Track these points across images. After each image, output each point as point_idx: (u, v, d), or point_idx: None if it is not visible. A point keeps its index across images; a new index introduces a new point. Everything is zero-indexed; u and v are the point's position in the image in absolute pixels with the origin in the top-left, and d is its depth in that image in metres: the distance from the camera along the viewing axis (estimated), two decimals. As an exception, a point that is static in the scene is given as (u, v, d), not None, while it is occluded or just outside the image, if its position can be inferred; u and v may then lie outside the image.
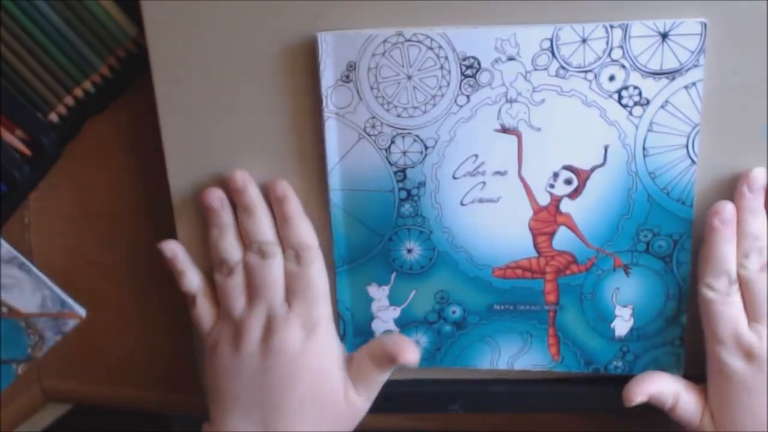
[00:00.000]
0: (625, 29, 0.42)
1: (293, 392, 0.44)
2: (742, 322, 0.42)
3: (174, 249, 0.47)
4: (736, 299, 0.42)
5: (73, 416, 0.60)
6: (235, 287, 0.46)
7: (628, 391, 0.44)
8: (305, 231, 0.46)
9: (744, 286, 0.42)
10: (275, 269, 0.45)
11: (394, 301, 0.48)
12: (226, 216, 0.46)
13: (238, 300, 0.46)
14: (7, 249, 0.52)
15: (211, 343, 0.47)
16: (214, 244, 0.46)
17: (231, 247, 0.46)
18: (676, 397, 0.44)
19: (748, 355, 0.42)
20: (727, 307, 0.42)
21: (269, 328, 0.45)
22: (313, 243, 0.46)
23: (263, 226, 0.45)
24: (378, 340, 0.46)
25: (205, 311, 0.47)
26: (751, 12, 0.41)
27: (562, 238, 0.46)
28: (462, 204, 0.45)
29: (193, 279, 0.47)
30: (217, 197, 0.46)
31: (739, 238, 0.42)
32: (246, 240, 0.46)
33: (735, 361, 0.42)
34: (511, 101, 0.43)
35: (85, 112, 0.50)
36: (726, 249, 0.42)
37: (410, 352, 0.45)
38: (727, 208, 0.42)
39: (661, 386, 0.44)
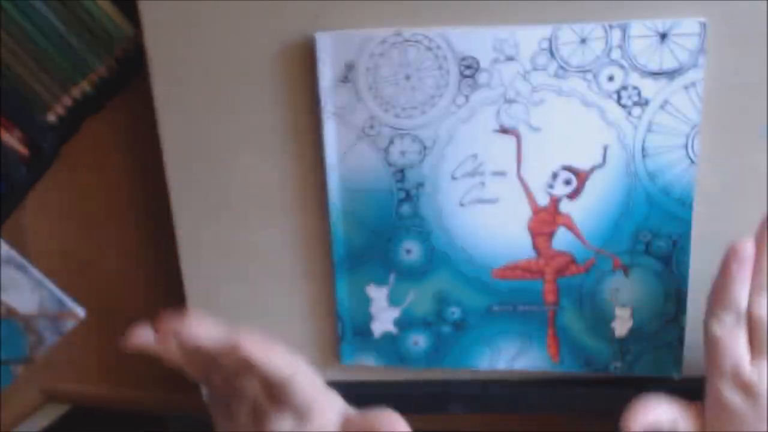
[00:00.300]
0: (624, 29, 0.41)
1: None
2: (745, 358, 0.41)
3: (138, 341, 0.42)
4: (742, 334, 0.41)
5: (72, 416, 0.60)
6: (217, 379, 0.42)
7: (626, 423, 0.43)
8: (275, 371, 0.39)
9: (752, 321, 0.41)
10: (251, 386, 0.40)
11: (393, 301, 0.48)
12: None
13: (222, 388, 0.42)
14: (5, 250, 0.52)
15: (207, 400, 0.45)
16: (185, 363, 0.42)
17: (200, 359, 0.41)
18: (674, 424, 0.44)
19: (748, 390, 0.41)
20: (732, 342, 0.41)
21: (258, 417, 0.41)
22: (285, 377, 0.39)
23: (226, 362, 0.40)
24: (370, 419, 0.42)
25: (195, 378, 0.43)
26: (751, 12, 0.41)
27: (562, 239, 0.45)
28: (461, 204, 0.45)
29: (171, 356, 0.42)
30: (165, 331, 0.40)
31: (755, 273, 0.41)
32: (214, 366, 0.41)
33: (734, 396, 0.42)
34: (510, 101, 0.43)
35: (83, 113, 0.50)
36: (739, 287, 0.41)
37: None
38: (746, 249, 0.41)
39: (658, 415, 0.44)
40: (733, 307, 0.41)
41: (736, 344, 0.41)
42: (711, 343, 0.42)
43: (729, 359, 0.41)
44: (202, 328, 0.39)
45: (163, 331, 0.40)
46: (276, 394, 0.41)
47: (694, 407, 0.44)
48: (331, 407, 0.43)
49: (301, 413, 0.41)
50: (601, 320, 0.47)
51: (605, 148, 0.44)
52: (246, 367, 0.39)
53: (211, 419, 0.46)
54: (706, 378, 0.43)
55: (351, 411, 0.44)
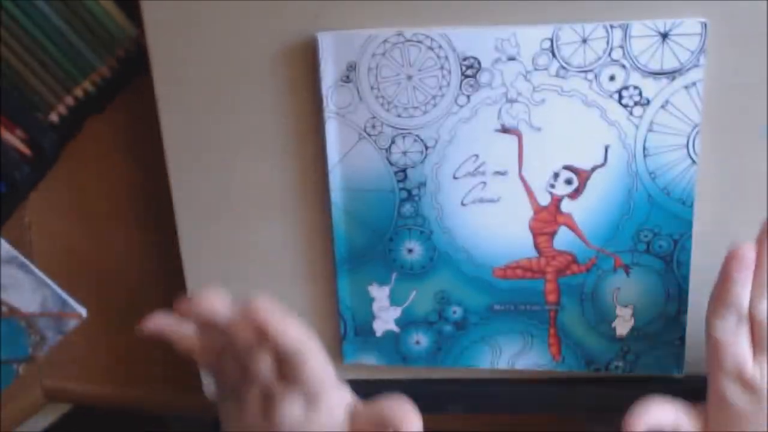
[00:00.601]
0: (625, 29, 0.42)
1: None
2: (747, 358, 0.41)
3: (154, 327, 0.42)
4: (743, 335, 0.42)
5: (73, 416, 0.60)
6: (228, 362, 0.42)
7: (629, 423, 0.44)
8: (290, 340, 0.39)
9: (754, 322, 0.41)
10: (264, 362, 0.41)
11: (394, 301, 0.48)
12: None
13: (233, 372, 0.42)
14: (7, 249, 0.52)
15: (218, 388, 0.45)
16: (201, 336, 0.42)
17: (214, 341, 0.41)
18: (675, 425, 0.44)
19: (750, 388, 0.41)
20: (734, 342, 0.41)
21: (268, 401, 0.42)
22: (300, 348, 0.39)
23: (240, 335, 0.40)
24: (380, 407, 0.42)
25: (206, 366, 0.44)
26: (751, 12, 0.41)
27: (563, 238, 0.46)
28: (462, 204, 0.45)
29: (185, 342, 0.43)
30: (187, 313, 0.39)
31: (756, 276, 0.41)
32: (227, 341, 0.41)
33: (736, 393, 0.42)
34: (511, 101, 0.43)
35: (85, 112, 0.50)
36: (740, 291, 0.41)
37: (412, 424, 0.41)
38: (747, 252, 0.41)
39: (660, 416, 0.44)
40: (735, 308, 0.41)
41: (739, 344, 0.41)
42: (713, 344, 0.42)
43: (731, 359, 0.42)
44: (218, 298, 0.39)
45: (180, 308, 0.39)
46: (288, 371, 0.41)
47: (697, 408, 0.44)
48: (340, 393, 0.43)
49: (311, 396, 0.41)
50: (602, 320, 0.47)
51: (606, 148, 0.44)
52: (260, 338, 0.39)
53: (214, 418, 0.46)
54: (709, 378, 0.43)
55: (359, 402, 0.44)
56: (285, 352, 0.40)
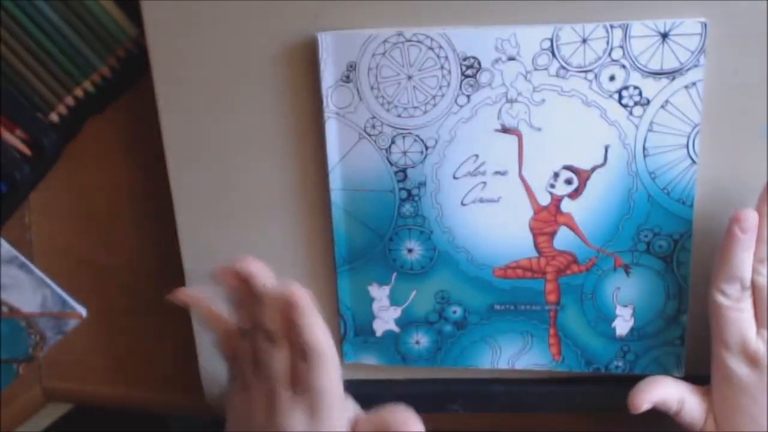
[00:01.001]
0: (625, 29, 0.42)
1: None
2: (751, 329, 0.42)
3: (185, 297, 0.44)
4: (747, 305, 0.42)
5: (73, 416, 0.60)
6: (245, 350, 0.43)
7: (634, 399, 0.44)
8: (316, 337, 0.40)
9: (757, 292, 0.42)
10: (280, 359, 0.41)
11: (394, 301, 0.48)
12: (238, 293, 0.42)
13: (246, 363, 0.43)
14: (7, 249, 0.52)
15: (229, 377, 0.45)
16: (230, 310, 0.44)
17: (243, 320, 0.42)
18: (680, 402, 0.44)
19: (753, 361, 0.42)
20: (737, 313, 0.41)
21: (273, 403, 0.42)
22: (322, 349, 0.40)
23: (269, 315, 0.41)
24: (382, 415, 0.43)
25: (223, 348, 0.45)
26: (751, 12, 0.41)
27: (563, 238, 0.46)
28: (462, 204, 0.45)
29: (211, 318, 0.45)
30: (227, 276, 0.41)
31: (757, 243, 0.41)
32: (254, 320, 0.42)
33: (740, 367, 0.42)
34: (511, 101, 0.43)
35: (86, 112, 0.50)
36: (743, 256, 0.41)
37: (414, 430, 0.41)
38: (750, 217, 0.41)
39: (666, 393, 0.44)
40: (737, 277, 0.41)
41: (741, 316, 0.41)
42: (716, 315, 0.42)
43: (734, 330, 0.42)
44: (261, 265, 0.40)
45: (219, 270, 0.41)
46: (300, 376, 0.41)
47: (701, 388, 0.44)
48: (344, 407, 0.43)
49: (315, 408, 0.41)
50: (602, 319, 0.47)
51: (606, 148, 0.44)
52: (287, 324, 0.40)
53: (214, 418, 0.46)
54: (712, 353, 0.43)
55: (361, 412, 0.44)
56: (307, 347, 0.40)
